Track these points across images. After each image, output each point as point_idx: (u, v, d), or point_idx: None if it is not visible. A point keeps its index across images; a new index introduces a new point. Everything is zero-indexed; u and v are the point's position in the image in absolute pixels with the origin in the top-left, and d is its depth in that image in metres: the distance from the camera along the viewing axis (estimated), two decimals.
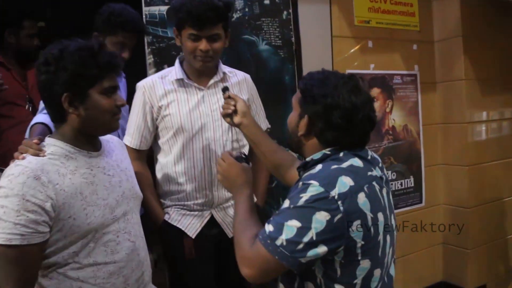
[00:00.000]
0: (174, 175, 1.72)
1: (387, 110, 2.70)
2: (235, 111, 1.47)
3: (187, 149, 1.69)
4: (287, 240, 1.01)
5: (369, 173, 1.12)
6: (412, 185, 2.81)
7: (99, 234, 1.19)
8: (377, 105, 2.65)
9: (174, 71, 1.72)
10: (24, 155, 1.14)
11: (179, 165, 1.71)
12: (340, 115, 1.10)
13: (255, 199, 1.85)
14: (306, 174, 1.11)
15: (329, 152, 1.14)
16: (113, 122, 1.25)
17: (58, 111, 1.20)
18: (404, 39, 2.75)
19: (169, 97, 1.69)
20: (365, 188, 1.07)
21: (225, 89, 1.54)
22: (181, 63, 1.75)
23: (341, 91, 1.11)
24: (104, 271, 1.20)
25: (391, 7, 2.68)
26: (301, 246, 1.00)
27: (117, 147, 1.40)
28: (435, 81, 2.88)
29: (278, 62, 2.35)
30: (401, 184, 2.76)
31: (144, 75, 1.96)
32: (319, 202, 1.01)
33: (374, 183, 1.11)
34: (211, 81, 1.73)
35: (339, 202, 1.01)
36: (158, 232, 1.76)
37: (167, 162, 1.73)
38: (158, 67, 2.03)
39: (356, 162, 1.11)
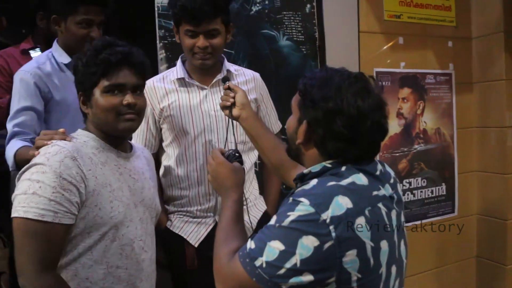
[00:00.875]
0: (176, 179, 1.65)
1: (418, 112, 2.54)
2: (234, 104, 1.38)
3: (189, 151, 1.61)
4: (267, 263, 0.88)
5: (375, 192, 0.96)
6: (444, 193, 2.65)
7: (118, 233, 1.17)
8: (407, 106, 2.51)
9: (176, 70, 1.65)
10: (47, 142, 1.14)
11: (181, 169, 1.63)
12: (343, 123, 0.94)
13: (266, 207, 1.77)
14: (299, 189, 0.97)
15: (329, 165, 0.98)
16: (118, 122, 1.20)
17: (82, 110, 1.25)
18: (439, 36, 2.59)
19: (170, 98, 1.62)
20: (366, 212, 0.91)
21: (225, 79, 1.48)
22: (183, 62, 1.67)
23: (346, 94, 0.95)
24: (115, 275, 1.18)
25: (424, 0, 2.52)
26: (282, 271, 0.87)
27: (146, 158, 1.41)
28: (471, 81, 2.71)
29: (300, 59, 2.22)
30: (432, 192, 2.60)
31: (155, 71, 1.87)
32: (307, 224, 0.86)
33: (379, 204, 0.95)
34: (214, 80, 1.64)
35: (331, 227, 0.86)
36: (160, 238, 1.68)
37: (169, 166, 1.66)
38: (170, 63, 1.95)
39: (360, 179, 0.95)
